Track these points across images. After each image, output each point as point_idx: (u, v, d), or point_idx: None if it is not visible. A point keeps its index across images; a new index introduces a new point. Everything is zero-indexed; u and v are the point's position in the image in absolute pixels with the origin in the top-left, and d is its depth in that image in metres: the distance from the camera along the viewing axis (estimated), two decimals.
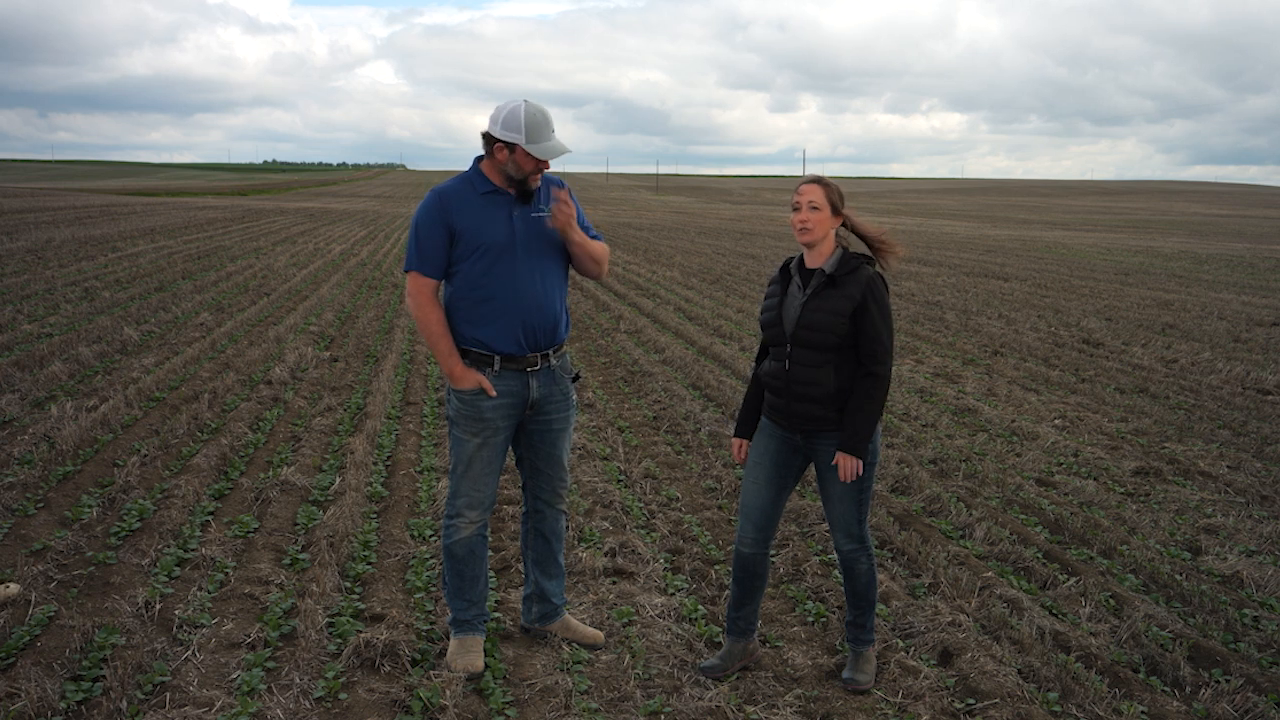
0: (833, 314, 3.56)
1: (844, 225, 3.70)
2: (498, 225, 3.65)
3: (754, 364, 3.95)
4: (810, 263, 3.69)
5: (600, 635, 4.07)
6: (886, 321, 3.59)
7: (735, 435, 3.97)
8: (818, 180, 3.67)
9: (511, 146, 3.59)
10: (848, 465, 3.57)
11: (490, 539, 5.18)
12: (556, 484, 3.97)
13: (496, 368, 3.71)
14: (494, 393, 3.69)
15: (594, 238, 3.89)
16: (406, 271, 3.73)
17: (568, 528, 4.35)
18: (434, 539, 5.14)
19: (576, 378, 3.96)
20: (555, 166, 3.75)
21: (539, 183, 3.69)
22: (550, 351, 3.79)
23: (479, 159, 3.73)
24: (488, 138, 3.64)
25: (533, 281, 3.68)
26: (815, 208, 3.61)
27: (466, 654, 3.80)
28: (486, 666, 3.80)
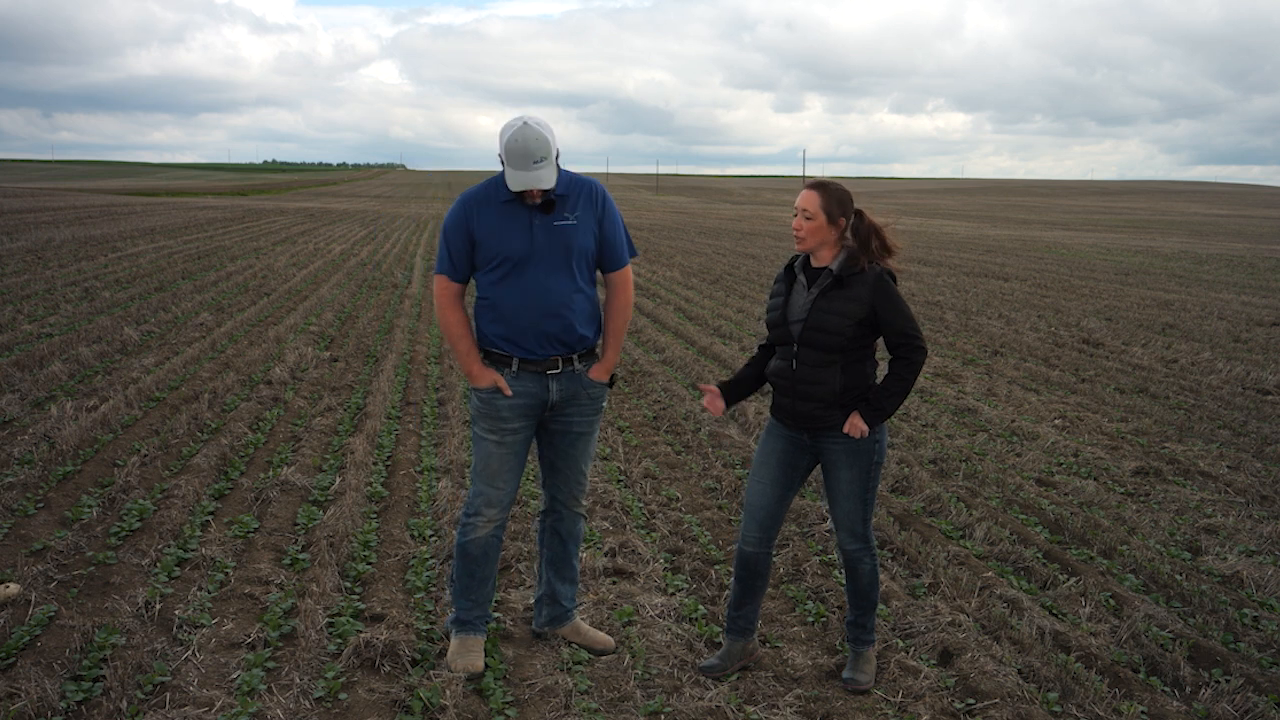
0: (841, 316, 3.56)
1: (854, 228, 3.67)
2: (516, 234, 3.65)
3: (760, 346, 3.94)
4: (816, 262, 3.69)
5: (611, 641, 4.05)
6: (903, 310, 3.61)
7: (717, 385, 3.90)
8: (816, 186, 3.64)
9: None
10: (857, 424, 3.59)
11: None
12: (573, 486, 3.95)
13: (514, 368, 3.74)
14: (509, 393, 3.72)
15: (628, 254, 3.85)
16: (435, 274, 3.81)
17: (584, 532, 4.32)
18: (434, 539, 5.14)
19: (613, 382, 3.93)
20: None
21: (537, 199, 3.63)
22: (574, 356, 3.78)
23: None
24: None
25: (547, 291, 3.67)
26: (809, 216, 3.61)
27: (467, 654, 3.80)
28: (487, 667, 3.80)
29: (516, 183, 3.55)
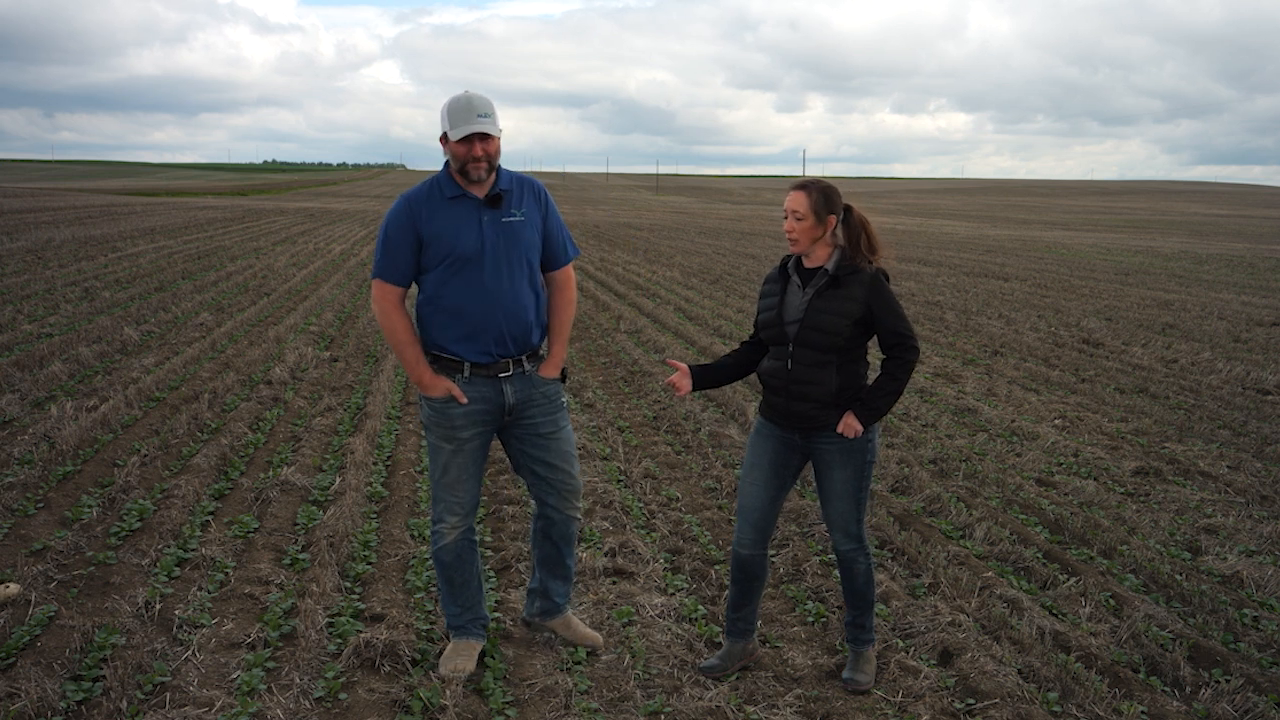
0: (837, 315, 3.56)
1: (844, 223, 3.67)
2: (467, 232, 3.59)
3: (742, 342, 3.92)
4: (810, 263, 3.68)
5: (599, 637, 4.05)
6: (897, 310, 3.60)
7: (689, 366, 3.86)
8: (803, 186, 3.63)
9: (446, 138, 3.58)
10: (851, 424, 3.57)
11: (489, 539, 5.19)
12: (561, 489, 3.88)
13: (466, 374, 3.68)
14: (464, 400, 3.67)
15: (571, 252, 3.84)
16: (373, 278, 3.70)
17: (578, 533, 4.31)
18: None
19: (564, 377, 3.89)
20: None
21: (481, 172, 3.56)
22: (524, 357, 3.74)
23: (448, 164, 3.67)
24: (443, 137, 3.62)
25: (503, 289, 3.62)
26: (799, 218, 3.59)
27: (457, 657, 3.80)
28: (487, 668, 3.80)
29: (463, 131, 3.49)
